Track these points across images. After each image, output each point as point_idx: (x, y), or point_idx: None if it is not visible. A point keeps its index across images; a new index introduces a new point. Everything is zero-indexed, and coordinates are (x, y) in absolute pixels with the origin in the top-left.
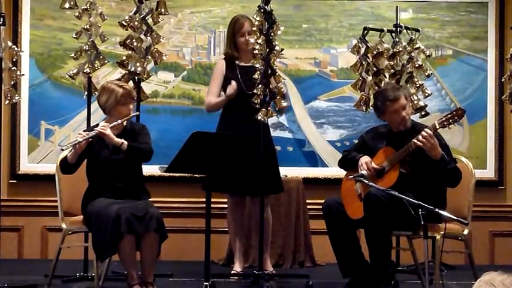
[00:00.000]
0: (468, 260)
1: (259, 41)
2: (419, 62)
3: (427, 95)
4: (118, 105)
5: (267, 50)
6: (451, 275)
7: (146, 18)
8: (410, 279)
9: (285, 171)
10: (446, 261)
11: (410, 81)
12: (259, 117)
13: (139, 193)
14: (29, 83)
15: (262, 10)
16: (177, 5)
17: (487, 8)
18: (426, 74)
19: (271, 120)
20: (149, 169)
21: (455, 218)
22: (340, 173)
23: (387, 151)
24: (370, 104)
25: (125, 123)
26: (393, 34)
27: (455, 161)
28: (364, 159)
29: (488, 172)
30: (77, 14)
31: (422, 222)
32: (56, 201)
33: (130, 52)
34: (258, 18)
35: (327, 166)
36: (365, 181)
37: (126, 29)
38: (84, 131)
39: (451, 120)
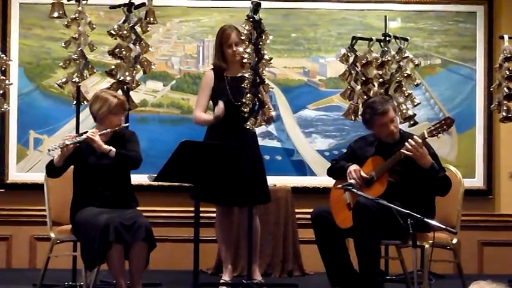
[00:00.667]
0: (457, 269)
1: (248, 50)
2: (408, 71)
3: (415, 104)
4: (110, 114)
5: (256, 59)
6: (439, 284)
7: (135, 28)
8: None
9: (274, 180)
10: (435, 271)
11: (399, 90)
12: (247, 126)
13: (128, 201)
14: (18, 92)
15: (251, 19)
16: (165, 14)
17: (476, 17)
18: (415, 83)
19: (259, 129)
20: (138, 178)
21: (444, 227)
22: (329, 182)
23: (376, 160)
24: (359, 113)
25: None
26: (382, 43)
27: (444, 169)
28: (353, 167)
29: (477, 181)
30: (66, 23)
31: (411, 231)
32: (44, 210)
33: (119, 61)
34: (246, 28)
35: (316, 175)
36: (354, 190)
37: (115, 38)
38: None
39: (440, 129)
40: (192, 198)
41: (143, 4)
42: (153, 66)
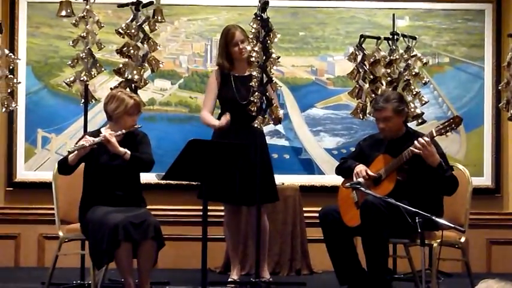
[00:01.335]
0: (465, 268)
1: (256, 48)
2: (416, 70)
3: (423, 102)
4: (125, 115)
5: (264, 57)
6: (448, 282)
7: (143, 26)
8: (408, 287)
9: (282, 179)
10: (443, 269)
11: (407, 89)
12: (255, 125)
13: (138, 201)
14: (26, 91)
15: (258, 18)
16: (173, 12)
17: (484, 15)
18: (423, 81)
19: (267, 128)
20: (146, 177)
21: (452, 225)
22: (337, 180)
23: (384, 159)
24: (367, 111)
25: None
26: (390, 42)
27: (452, 169)
28: (359, 168)
29: (485, 180)
30: (74, 21)
31: (419, 230)
32: (52, 209)
33: (127, 60)
34: (254, 26)
35: (324, 174)
36: (362, 189)
37: (123, 37)
38: (86, 135)
39: (448, 128)
40: (198, 198)
41: (151, 3)
42: (161, 65)
